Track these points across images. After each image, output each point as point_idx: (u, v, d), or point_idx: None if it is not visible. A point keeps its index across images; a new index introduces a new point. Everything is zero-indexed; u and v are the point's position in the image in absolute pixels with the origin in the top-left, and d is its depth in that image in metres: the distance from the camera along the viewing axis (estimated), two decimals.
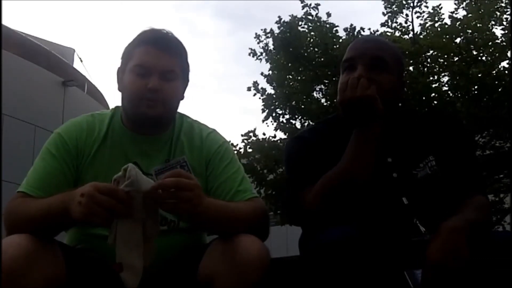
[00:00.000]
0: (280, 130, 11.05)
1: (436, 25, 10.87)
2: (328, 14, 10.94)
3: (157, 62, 1.49)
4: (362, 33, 10.57)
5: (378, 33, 10.68)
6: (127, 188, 1.18)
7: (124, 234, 1.21)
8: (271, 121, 11.07)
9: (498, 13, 10.38)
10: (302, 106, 10.69)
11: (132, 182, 1.19)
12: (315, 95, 11.06)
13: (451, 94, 10.27)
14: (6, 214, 1.37)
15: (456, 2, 10.78)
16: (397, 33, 11.03)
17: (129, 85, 1.50)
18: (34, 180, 1.44)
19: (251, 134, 11.37)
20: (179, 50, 1.55)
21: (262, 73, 11.23)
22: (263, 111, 11.06)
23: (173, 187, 1.21)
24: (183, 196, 1.22)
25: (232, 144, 11.19)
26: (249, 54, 11.23)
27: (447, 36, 10.40)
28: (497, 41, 10.21)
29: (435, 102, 9.99)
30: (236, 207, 1.41)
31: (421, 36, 10.78)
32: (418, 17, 10.95)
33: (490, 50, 10.14)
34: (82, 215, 1.20)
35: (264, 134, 11.43)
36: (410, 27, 11.01)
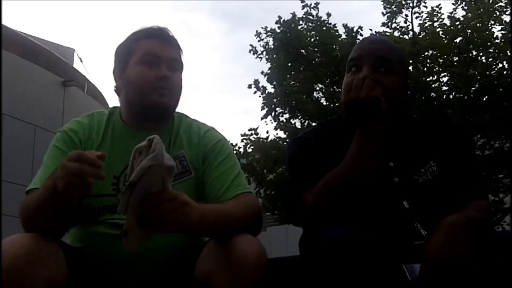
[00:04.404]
0: (280, 130, 11.07)
1: (436, 25, 10.88)
2: (328, 15, 10.97)
3: (165, 51, 1.55)
4: (361, 32, 10.60)
5: (378, 34, 10.68)
6: (149, 163, 1.15)
7: (135, 205, 1.19)
8: (271, 120, 11.10)
9: (498, 13, 10.38)
10: (302, 106, 10.69)
11: (157, 155, 1.16)
12: (314, 94, 11.07)
13: (450, 96, 10.27)
14: (20, 212, 1.36)
15: (454, 2, 10.78)
16: (397, 33, 11.03)
17: (138, 76, 1.53)
18: (46, 176, 1.41)
19: (252, 132, 11.34)
20: (177, 42, 1.62)
21: (262, 72, 11.28)
22: (263, 108, 11.08)
23: (154, 201, 1.18)
24: (165, 208, 1.19)
25: (231, 144, 11.21)
26: (250, 51, 11.26)
27: (447, 36, 10.40)
28: (496, 41, 10.21)
29: (435, 102, 9.99)
30: (230, 209, 1.39)
31: (420, 36, 10.78)
32: (417, 17, 10.96)
33: (490, 50, 10.14)
34: (62, 187, 1.19)
35: (267, 132, 11.44)
36: (410, 27, 11.03)
